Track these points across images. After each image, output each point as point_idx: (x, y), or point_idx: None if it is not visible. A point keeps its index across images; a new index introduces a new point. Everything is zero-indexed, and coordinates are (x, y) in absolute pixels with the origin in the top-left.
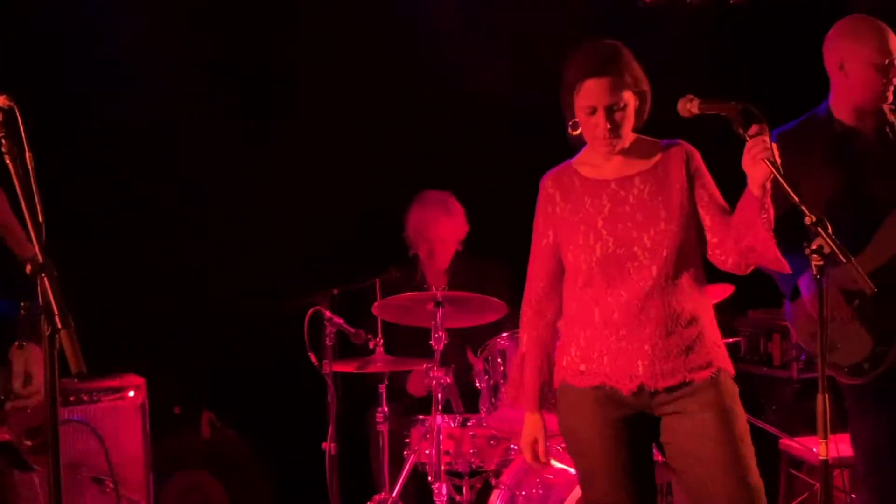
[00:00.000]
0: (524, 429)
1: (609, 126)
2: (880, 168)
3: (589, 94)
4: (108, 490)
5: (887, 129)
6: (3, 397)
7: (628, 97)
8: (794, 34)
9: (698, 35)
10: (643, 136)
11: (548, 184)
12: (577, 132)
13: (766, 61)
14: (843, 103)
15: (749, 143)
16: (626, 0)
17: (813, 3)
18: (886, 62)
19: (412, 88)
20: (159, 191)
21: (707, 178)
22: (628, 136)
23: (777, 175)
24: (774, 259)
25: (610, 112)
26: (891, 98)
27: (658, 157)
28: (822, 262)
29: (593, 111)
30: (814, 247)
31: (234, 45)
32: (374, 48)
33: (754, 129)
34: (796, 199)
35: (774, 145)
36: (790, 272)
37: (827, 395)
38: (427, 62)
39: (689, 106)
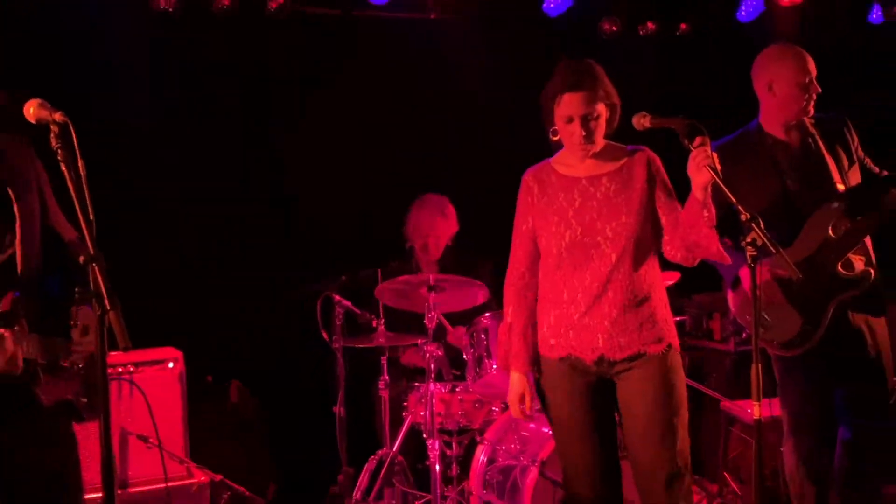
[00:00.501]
0: (511, 387)
1: (584, 133)
2: (805, 174)
3: (567, 105)
4: (151, 446)
5: (809, 140)
6: (64, 361)
7: (601, 109)
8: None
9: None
10: (612, 142)
11: (528, 178)
12: (557, 138)
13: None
14: (772, 119)
15: (693, 153)
16: (588, 32)
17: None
18: (807, 80)
19: (411, 99)
20: (160, 190)
21: (665, 181)
22: (600, 141)
23: (717, 180)
24: (717, 252)
25: (585, 121)
26: (811, 112)
27: (624, 160)
28: (755, 253)
29: (570, 120)
30: (748, 240)
31: (234, 45)
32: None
33: (698, 140)
34: (733, 200)
35: (715, 154)
36: (730, 263)
37: (759, 366)
38: (425, 77)
39: (642, 121)
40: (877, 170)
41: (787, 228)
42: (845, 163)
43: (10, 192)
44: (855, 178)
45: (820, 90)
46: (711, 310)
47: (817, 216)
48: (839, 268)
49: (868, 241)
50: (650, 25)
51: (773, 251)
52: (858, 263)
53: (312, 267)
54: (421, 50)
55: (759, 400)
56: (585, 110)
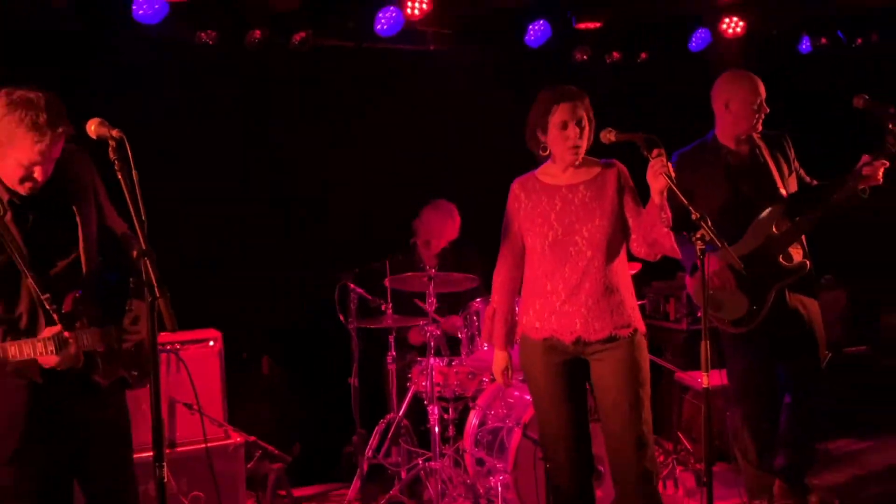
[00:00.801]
0: (495, 361)
1: (578, 134)
2: (753, 180)
3: (563, 112)
4: (194, 412)
5: (757, 151)
6: (117, 346)
7: (587, 119)
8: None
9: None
10: (588, 157)
11: (516, 186)
12: (546, 153)
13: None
14: (726, 133)
15: (652, 163)
16: (563, 60)
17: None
18: (758, 101)
19: (411, 115)
20: (208, 190)
21: (633, 189)
22: (585, 148)
23: (672, 185)
24: (671, 248)
25: (579, 124)
26: (759, 128)
27: (598, 171)
28: (703, 247)
29: (565, 125)
30: (698, 235)
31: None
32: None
33: (655, 152)
34: (685, 202)
35: (670, 164)
36: (682, 256)
37: (708, 342)
38: (423, 97)
39: (608, 135)
40: (808, 179)
41: (737, 226)
42: (785, 171)
43: (72, 198)
44: (793, 184)
45: (768, 110)
46: (667, 294)
47: (763, 216)
48: (781, 259)
49: (804, 237)
50: (615, 54)
51: (719, 245)
52: (797, 255)
53: (330, 260)
54: (421, 76)
55: (707, 371)
56: (578, 115)
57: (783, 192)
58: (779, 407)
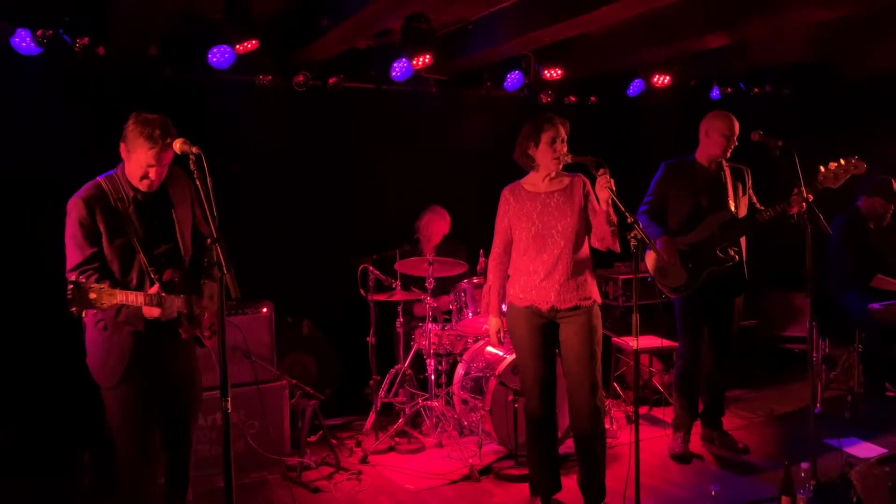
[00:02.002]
0: (490, 325)
1: (565, 149)
2: (711, 194)
3: (555, 130)
4: (252, 361)
5: (721, 174)
6: (197, 312)
7: (567, 139)
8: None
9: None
10: (560, 171)
11: (506, 192)
12: (532, 164)
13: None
14: (703, 155)
15: (598, 179)
16: (532, 101)
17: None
18: (730, 134)
19: (416, 141)
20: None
21: (594, 197)
22: (562, 163)
23: (614, 197)
24: (614, 244)
25: (563, 142)
26: (728, 155)
27: (568, 181)
28: (637, 243)
29: (554, 141)
30: (633, 234)
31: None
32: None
33: (601, 171)
34: (623, 208)
35: (612, 180)
36: (619, 251)
37: (637, 315)
38: (426, 128)
39: (566, 158)
40: (758, 205)
41: (692, 222)
42: (740, 193)
43: (173, 204)
44: (744, 205)
45: (737, 143)
46: (607, 278)
47: (712, 218)
48: (717, 251)
49: (743, 241)
50: (572, 98)
51: (648, 242)
52: (731, 251)
53: (355, 249)
54: (424, 111)
55: (636, 336)
56: (565, 134)
57: (732, 206)
58: (700, 357)
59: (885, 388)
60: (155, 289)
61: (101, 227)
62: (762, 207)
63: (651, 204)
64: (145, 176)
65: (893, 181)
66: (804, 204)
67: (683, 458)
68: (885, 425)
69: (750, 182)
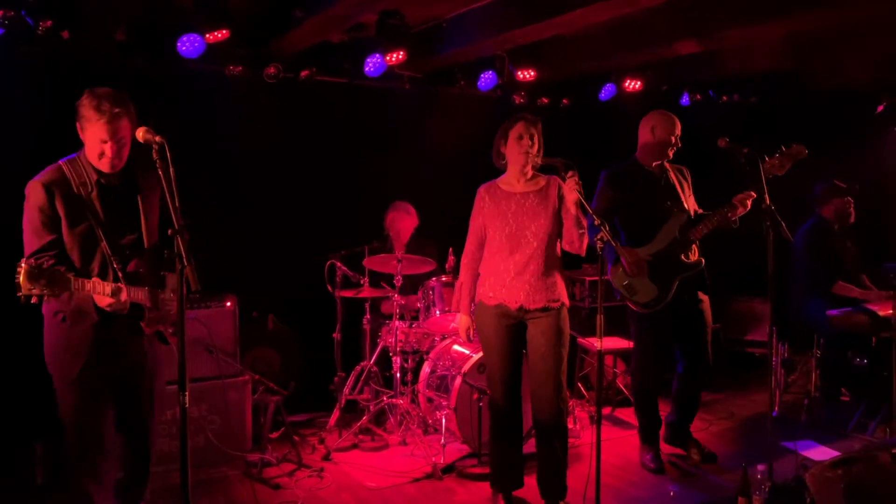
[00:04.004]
0: (460, 322)
1: (529, 145)
2: (663, 196)
3: (520, 128)
4: (214, 355)
5: (666, 175)
6: (157, 306)
7: (537, 136)
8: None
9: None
10: (536, 172)
11: (482, 190)
12: (503, 162)
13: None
14: (646, 156)
15: (567, 182)
16: (505, 102)
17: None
18: (676, 132)
19: (387, 136)
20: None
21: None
22: (531, 159)
23: (582, 199)
24: (580, 248)
25: (531, 138)
26: (670, 156)
27: (544, 183)
28: (603, 245)
29: (521, 137)
30: (599, 236)
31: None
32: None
33: (570, 173)
34: (590, 211)
35: (580, 182)
36: (584, 255)
37: (602, 316)
38: (398, 124)
39: (536, 159)
40: (698, 209)
41: (648, 230)
42: (687, 192)
43: (139, 193)
44: (692, 204)
45: (680, 144)
46: (574, 280)
47: (671, 222)
48: (682, 257)
49: (696, 245)
50: (544, 100)
51: (614, 244)
52: (693, 256)
53: (323, 244)
54: (397, 107)
55: (601, 337)
56: (531, 132)
57: (686, 206)
58: (663, 374)
59: (840, 393)
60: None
61: (62, 212)
62: (702, 211)
63: (598, 214)
64: (102, 154)
65: (833, 181)
66: (748, 205)
67: (660, 471)
68: (839, 429)
69: (690, 181)
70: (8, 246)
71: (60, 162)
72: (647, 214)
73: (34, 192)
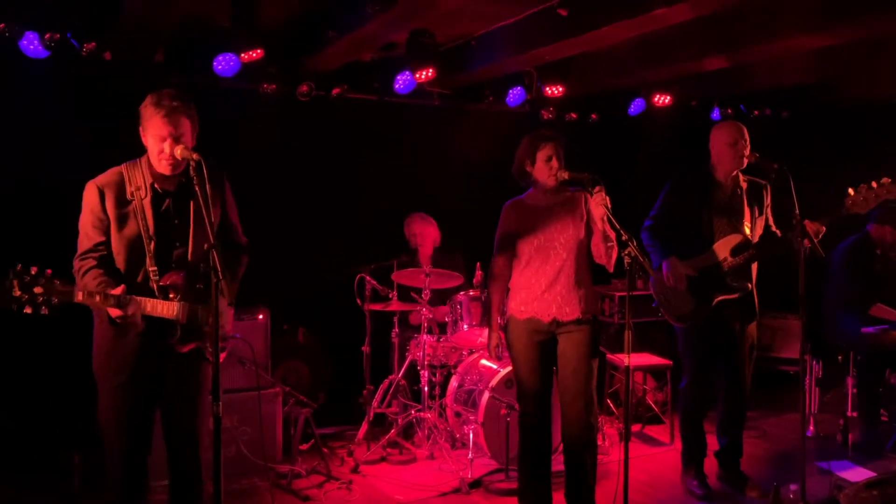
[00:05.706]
0: (490, 338)
1: (558, 165)
2: (726, 213)
3: (549, 149)
4: (247, 367)
5: (738, 191)
6: (199, 322)
7: (563, 155)
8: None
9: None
10: (563, 185)
11: (509, 206)
12: (530, 181)
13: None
14: (717, 168)
15: (594, 196)
16: (533, 117)
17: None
18: (734, 141)
19: (417, 152)
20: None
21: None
22: (562, 177)
23: (609, 214)
24: (607, 261)
25: (559, 159)
26: (744, 165)
27: (570, 195)
28: (630, 260)
29: (550, 159)
30: (627, 251)
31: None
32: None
33: (597, 188)
34: (618, 227)
35: (608, 197)
36: (612, 271)
37: (630, 332)
38: (426, 140)
39: (562, 174)
40: (773, 228)
41: (699, 244)
42: (757, 213)
43: (194, 203)
44: (760, 225)
45: (748, 153)
46: (603, 296)
47: (724, 241)
48: (727, 279)
49: (755, 268)
50: (573, 115)
51: (641, 260)
52: (742, 279)
53: (352, 258)
54: (426, 123)
55: (629, 353)
56: (558, 152)
57: (747, 229)
58: (708, 392)
59: (878, 413)
60: (119, 290)
61: (111, 215)
62: (777, 231)
63: (656, 219)
64: (161, 153)
65: None
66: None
67: (707, 499)
68: (876, 450)
69: (769, 200)
70: (57, 260)
71: (122, 165)
72: (705, 228)
73: (88, 193)
